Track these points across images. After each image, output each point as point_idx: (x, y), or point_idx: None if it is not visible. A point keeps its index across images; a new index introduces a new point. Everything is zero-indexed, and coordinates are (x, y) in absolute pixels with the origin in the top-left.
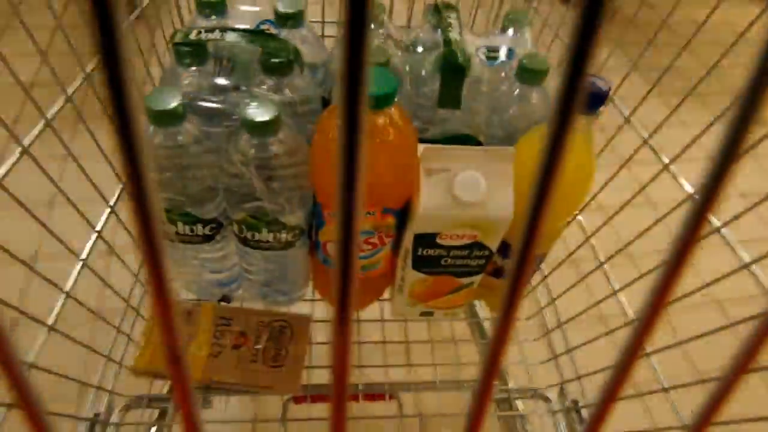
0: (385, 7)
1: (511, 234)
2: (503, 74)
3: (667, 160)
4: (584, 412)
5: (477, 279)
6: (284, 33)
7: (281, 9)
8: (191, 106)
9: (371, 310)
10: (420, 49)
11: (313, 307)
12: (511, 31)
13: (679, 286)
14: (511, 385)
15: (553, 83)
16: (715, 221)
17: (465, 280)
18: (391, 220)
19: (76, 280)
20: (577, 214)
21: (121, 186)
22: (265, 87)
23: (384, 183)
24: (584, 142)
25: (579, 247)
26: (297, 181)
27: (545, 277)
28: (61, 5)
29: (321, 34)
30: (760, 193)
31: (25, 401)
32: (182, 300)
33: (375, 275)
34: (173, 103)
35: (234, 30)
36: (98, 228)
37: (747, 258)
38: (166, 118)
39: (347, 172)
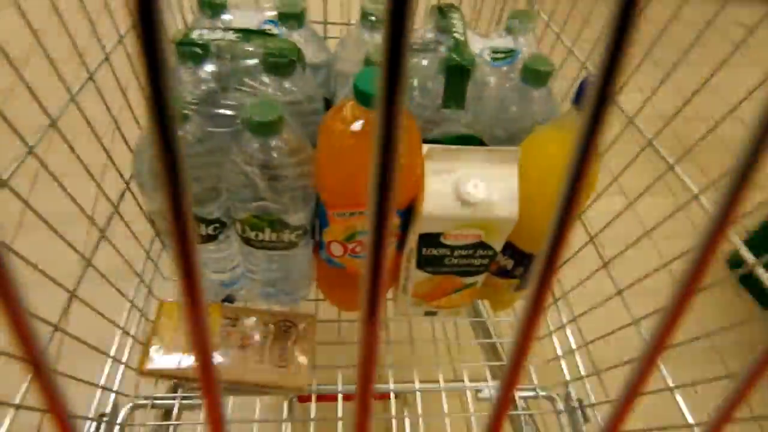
0: None
1: (515, 234)
2: (507, 75)
3: (671, 161)
4: (589, 412)
5: (481, 279)
6: (286, 33)
7: (283, 9)
8: (193, 106)
9: None
10: (424, 50)
11: (317, 307)
12: (514, 33)
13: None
14: None
15: (556, 84)
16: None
17: (469, 280)
18: (395, 219)
19: (80, 281)
20: (580, 214)
21: (124, 187)
22: (267, 87)
23: None
24: None
25: (583, 247)
26: (300, 181)
27: None
28: None
29: (323, 34)
30: None
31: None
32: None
33: None
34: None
35: (236, 30)
36: (103, 229)
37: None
38: None
39: (382, 171)
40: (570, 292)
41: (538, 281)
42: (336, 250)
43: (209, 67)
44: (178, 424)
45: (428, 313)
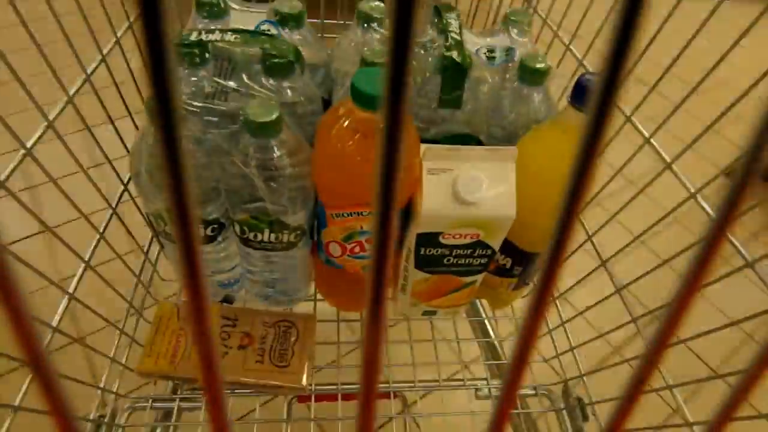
0: (384, 8)
1: (513, 233)
2: (504, 74)
3: (669, 159)
4: (588, 410)
5: (479, 278)
6: (284, 34)
7: (281, 10)
8: (192, 107)
9: None
10: (421, 49)
11: (315, 308)
12: (511, 31)
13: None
14: None
15: (553, 83)
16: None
17: (467, 279)
18: None
19: (79, 282)
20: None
21: (122, 188)
22: (265, 88)
23: None
24: None
25: (581, 245)
26: (299, 182)
27: None
28: None
29: (321, 34)
30: None
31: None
32: (183, 301)
33: None
34: None
35: (234, 31)
36: (101, 230)
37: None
38: None
39: (386, 172)
40: (569, 290)
41: (543, 280)
42: (334, 250)
43: (208, 69)
44: (177, 425)
45: (427, 313)
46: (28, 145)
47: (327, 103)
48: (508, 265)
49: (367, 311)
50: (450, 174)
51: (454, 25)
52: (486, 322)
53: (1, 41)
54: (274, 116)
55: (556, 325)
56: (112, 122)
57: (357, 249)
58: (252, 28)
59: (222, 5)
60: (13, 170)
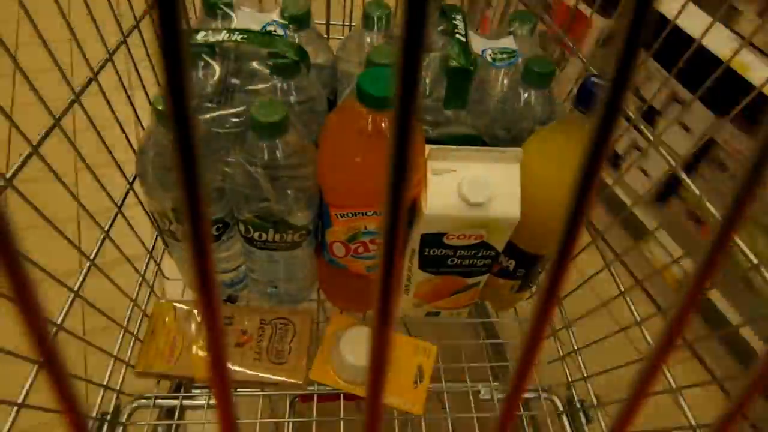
0: (391, 9)
1: (517, 235)
2: (509, 76)
3: (674, 163)
4: (591, 413)
5: (483, 279)
6: (290, 34)
7: (287, 10)
8: (198, 107)
9: None
10: (426, 51)
11: (319, 308)
12: (516, 33)
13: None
14: None
15: (558, 85)
16: None
17: (471, 280)
18: None
19: (83, 280)
20: None
21: (127, 187)
22: (272, 88)
23: None
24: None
25: (584, 248)
26: (304, 182)
27: None
28: None
29: (326, 35)
30: None
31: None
32: (184, 300)
33: None
34: None
35: (240, 31)
36: (106, 229)
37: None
38: None
39: (396, 173)
40: (572, 293)
41: (550, 282)
42: (339, 250)
43: (214, 69)
44: (180, 423)
45: (430, 314)
46: (36, 143)
47: (332, 104)
48: (512, 267)
49: (375, 311)
50: (455, 175)
51: (460, 26)
52: (489, 323)
53: (9, 36)
54: (279, 116)
55: (559, 327)
56: (118, 121)
57: (361, 249)
58: (258, 28)
59: (229, 6)
60: (19, 168)
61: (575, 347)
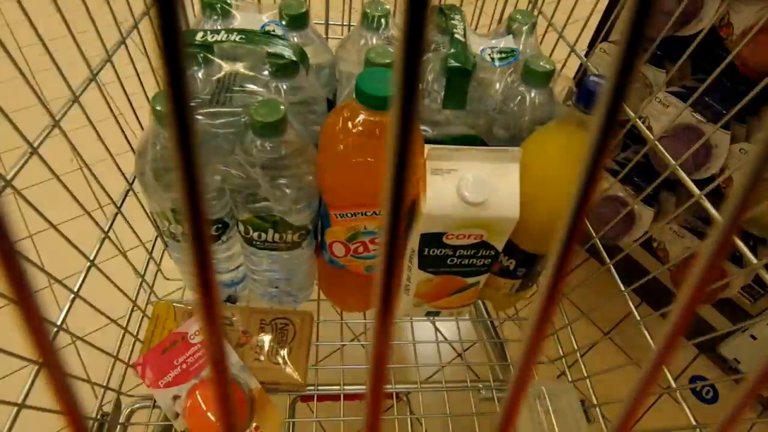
0: (389, 9)
1: (516, 234)
2: (508, 75)
3: (674, 162)
4: (591, 413)
5: (483, 278)
6: (289, 34)
7: (286, 10)
8: (197, 107)
9: None
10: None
11: (318, 308)
12: (515, 32)
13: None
14: None
15: (557, 84)
16: None
17: (471, 280)
18: None
19: (83, 281)
20: None
21: (127, 188)
22: (270, 88)
23: None
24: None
25: (586, 246)
26: (303, 182)
27: None
28: None
29: (325, 35)
30: None
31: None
32: (184, 301)
33: None
34: None
35: (239, 31)
36: (106, 229)
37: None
38: None
39: (396, 174)
40: (572, 291)
41: (550, 282)
42: (338, 250)
43: (213, 69)
44: None
45: (430, 314)
46: (35, 144)
47: (331, 104)
48: (512, 267)
49: (376, 311)
50: (454, 175)
51: (458, 26)
52: (489, 323)
53: (8, 38)
54: (279, 116)
55: (560, 327)
56: (117, 122)
57: (361, 249)
58: (257, 28)
59: (227, 6)
60: (19, 169)
61: (575, 347)
